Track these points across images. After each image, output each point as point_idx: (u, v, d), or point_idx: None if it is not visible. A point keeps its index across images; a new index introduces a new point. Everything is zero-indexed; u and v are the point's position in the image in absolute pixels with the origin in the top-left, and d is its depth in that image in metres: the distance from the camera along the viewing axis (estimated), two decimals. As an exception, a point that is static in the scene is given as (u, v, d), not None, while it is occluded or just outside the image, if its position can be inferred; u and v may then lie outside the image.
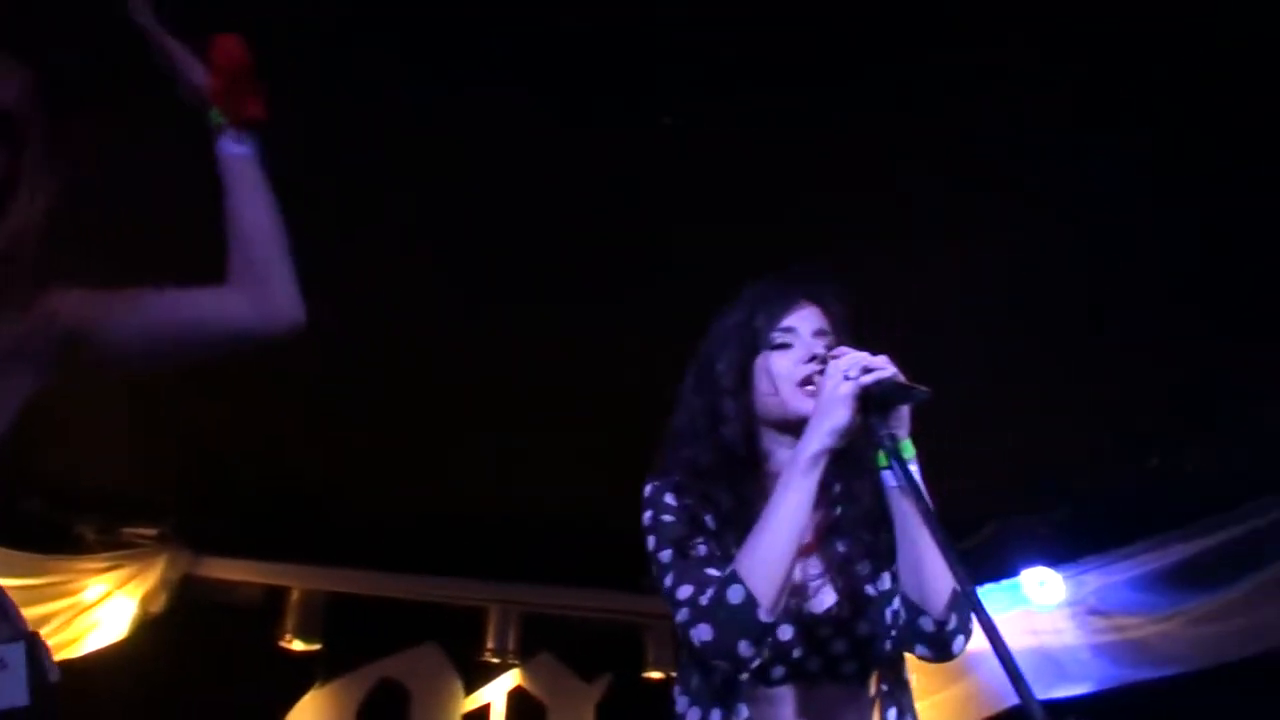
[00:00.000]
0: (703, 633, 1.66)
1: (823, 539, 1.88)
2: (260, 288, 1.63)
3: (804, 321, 1.91)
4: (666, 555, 1.79)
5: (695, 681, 1.82)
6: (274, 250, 1.66)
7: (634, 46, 2.83)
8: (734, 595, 1.63)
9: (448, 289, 3.92)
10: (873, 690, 1.81)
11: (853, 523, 1.88)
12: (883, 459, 1.69)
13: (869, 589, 1.84)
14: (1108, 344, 4.29)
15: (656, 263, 3.69)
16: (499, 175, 3.33)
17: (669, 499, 1.85)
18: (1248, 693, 4.66)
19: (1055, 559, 5.36)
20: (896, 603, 1.80)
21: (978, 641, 1.47)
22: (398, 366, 4.37)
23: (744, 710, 1.74)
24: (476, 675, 5.91)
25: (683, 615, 1.70)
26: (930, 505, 1.65)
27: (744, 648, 1.64)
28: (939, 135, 3.16)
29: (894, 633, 1.80)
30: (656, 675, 5.87)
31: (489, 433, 4.91)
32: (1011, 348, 4.32)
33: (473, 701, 5.85)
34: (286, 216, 1.70)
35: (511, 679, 5.92)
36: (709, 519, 1.82)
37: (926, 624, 1.75)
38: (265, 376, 4.39)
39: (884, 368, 1.67)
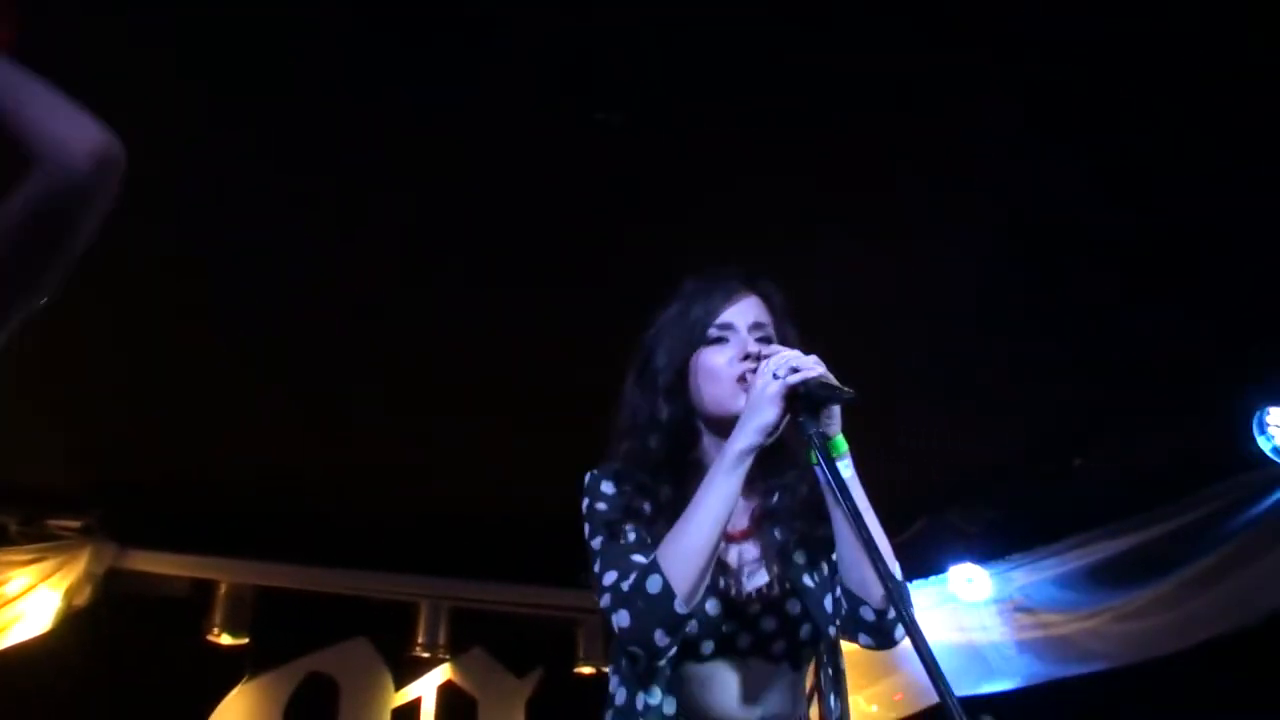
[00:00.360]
0: (621, 619, 1.69)
1: (759, 525, 1.92)
2: (33, 139, 1.44)
3: (741, 315, 1.92)
4: (597, 541, 1.84)
5: (625, 664, 1.84)
6: (24, 95, 1.47)
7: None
8: (652, 585, 1.67)
9: (393, 285, 3.89)
10: (810, 680, 1.85)
11: (788, 512, 1.91)
12: (813, 457, 1.72)
13: (806, 578, 1.86)
14: (1036, 346, 4.30)
15: (604, 255, 3.68)
16: (479, 173, 3.30)
17: (605, 487, 1.89)
18: (1170, 688, 4.69)
19: (983, 556, 5.38)
20: (838, 591, 1.84)
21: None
22: (324, 358, 4.33)
23: (659, 693, 1.76)
24: (407, 670, 5.88)
25: (605, 600, 1.74)
26: (860, 500, 1.72)
27: (659, 636, 1.66)
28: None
29: (837, 621, 1.83)
30: (588, 670, 5.86)
31: (419, 427, 4.88)
32: (942, 349, 4.32)
33: (403, 696, 5.82)
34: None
35: (442, 673, 5.90)
36: (646, 507, 1.85)
37: (867, 613, 1.79)
38: (193, 369, 4.36)
39: (812, 368, 1.69)
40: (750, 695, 1.80)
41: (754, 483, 1.84)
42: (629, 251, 3.62)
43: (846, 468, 1.73)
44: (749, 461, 1.72)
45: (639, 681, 1.79)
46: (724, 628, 1.79)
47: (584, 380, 4.32)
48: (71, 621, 5.37)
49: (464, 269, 3.80)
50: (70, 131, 1.44)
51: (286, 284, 3.85)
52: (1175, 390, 4.53)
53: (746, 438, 1.71)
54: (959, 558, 5.40)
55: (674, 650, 1.70)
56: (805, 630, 1.82)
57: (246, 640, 5.64)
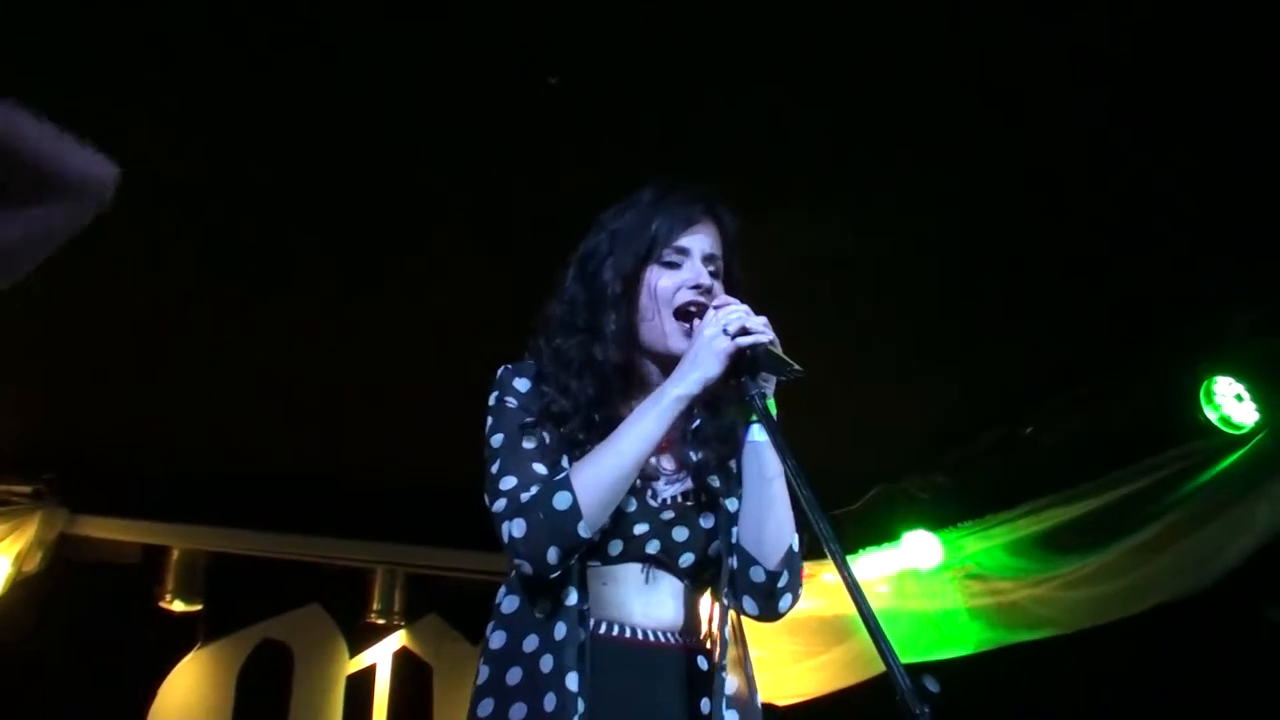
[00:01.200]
0: (516, 528, 1.65)
1: (679, 440, 1.88)
2: (56, 173, 1.49)
3: (698, 241, 1.89)
4: (498, 439, 1.78)
5: (517, 574, 1.77)
6: (34, 132, 1.48)
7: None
8: (560, 501, 1.63)
9: (337, 247, 3.86)
10: (707, 662, 1.78)
11: (710, 436, 1.89)
12: (749, 415, 1.73)
13: (723, 501, 1.83)
14: (986, 311, 4.31)
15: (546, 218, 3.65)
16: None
17: (519, 384, 1.85)
18: (1119, 654, 4.74)
19: (934, 523, 5.40)
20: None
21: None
22: (277, 323, 4.29)
23: (573, 594, 1.70)
24: (361, 637, 5.87)
25: (499, 505, 1.70)
26: (775, 460, 1.72)
27: (552, 554, 1.63)
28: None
29: (729, 583, 1.79)
30: (543, 637, 5.85)
31: (372, 394, 4.85)
32: (892, 315, 4.33)
33: (357, 663, 5.82)
34: None
35: (397, 640, 5.89)
36: (565, 409, 1.80)
37: (758, 574, 1.77)
38: (143, 333, 4.31)
39: (763, 331, 1.69)
40: (652, 603, 1.77)
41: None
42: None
43: (761, 432, 1.75)
44: (682, 407, 1.72)
45: (546, 588, 1.71)
46: (635, 529, 1.76)
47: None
48: (22, 588, 5.30)
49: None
50: (91, 166, 1.51)
51: (232, 242, 3.81)
52: (1125, 358, 4.56)
53: (686, 385, 1.70)
54: (912, 525, 5.42)
55: (557, 574, 1.66)
56: (714, 547, 1.80)
57: (199, 607, 5.61)
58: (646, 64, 3.01)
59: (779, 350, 1.69)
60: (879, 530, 5.53)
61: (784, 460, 1.66)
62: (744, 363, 1.69)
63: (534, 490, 1.68)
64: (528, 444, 1.77)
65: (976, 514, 5.22)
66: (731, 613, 1.80)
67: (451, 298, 4.14)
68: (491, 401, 1.84)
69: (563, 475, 1.67)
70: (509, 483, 1.71)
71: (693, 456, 1.88)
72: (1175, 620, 4.51)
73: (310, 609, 5.80)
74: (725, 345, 1.68)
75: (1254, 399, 4.16)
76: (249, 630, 5.70)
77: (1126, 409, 4.71)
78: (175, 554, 5.58)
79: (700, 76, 3.06)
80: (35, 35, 2.76)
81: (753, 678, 1.85)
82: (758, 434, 1.76)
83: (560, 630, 1.68)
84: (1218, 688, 4.55)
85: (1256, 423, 4.15)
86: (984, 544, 5.19)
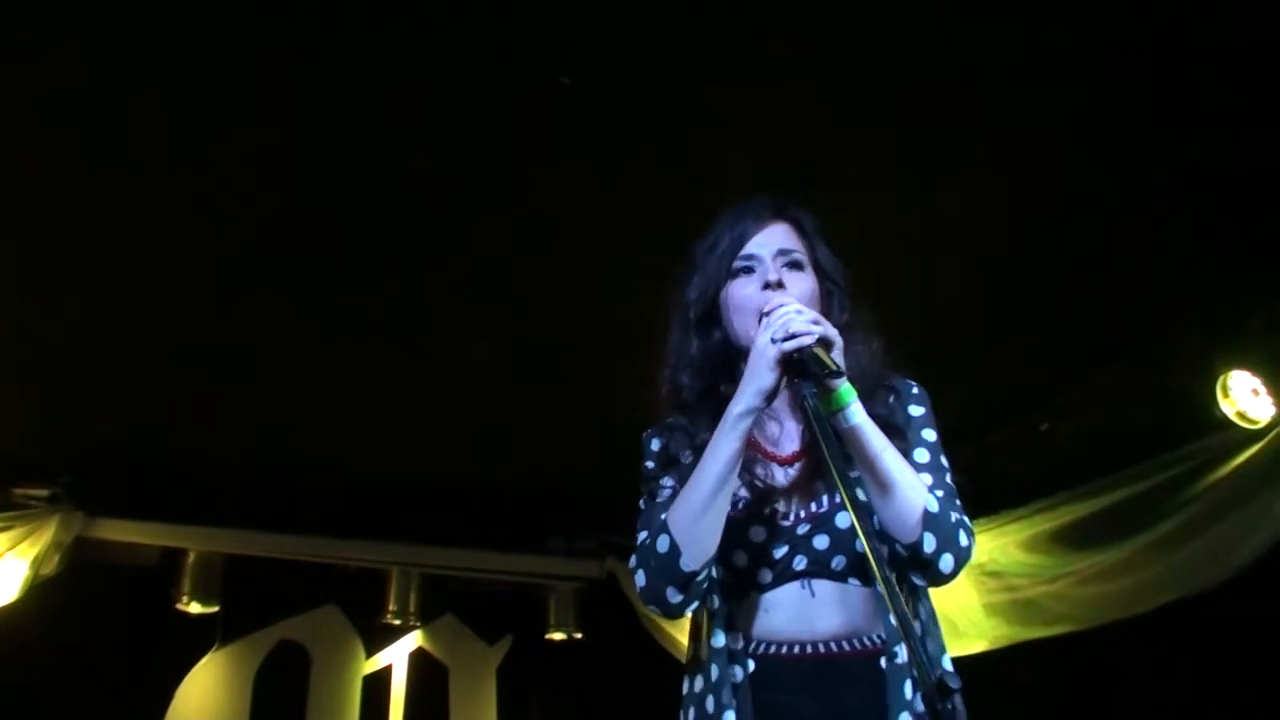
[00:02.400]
0: (639, 578, 1.77)
1: (810, 448, 1.88)
2: None
3: (766, 243, 1.92)
4: (640, 504, 1.89)
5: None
6: None
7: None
8: (661, 544, 1.72)
9: (347, 248, 3.85)
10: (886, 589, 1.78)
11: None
12: (831, 409, 1.72)
13: (859, 493, 1.79)
14: (1000, 307, 4.30)
15: (576, 216, 3.66)
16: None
17: (653, 444, 1.94)
18: (1134, 649, 4.74)
19: (950, 520, 5.38)
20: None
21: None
22: (290, 325, 4.30)
23: (720, 635, 1.76)
24: (378, 637, 5.88)
25: (632, 562, 1.80)
26: (875, 443, 1.72)
27: (671, 594, 1.73)
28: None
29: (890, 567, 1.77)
30: (558, 636, 5.87)
31: (391, 395, 4.86)
32: (903, 310, 4.31)
33: (374, 663, 5.83)
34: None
35: (413, 640, 5.91)
36: (686, 454, 1.85)
37: (901, 550, 1.76)
38: (158, 336, 4.33)
39: (808, 332, 1.68)
40: (821, 615, 1.78)
41: (799, 411, 1.87)
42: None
43: (856, 413, 1.73)
44: (749, 421, 1.73)
45: (698, 634, 1.81)
46: (775, 553, 1.80)
47: (551, 345, 4.37)
48: (39, 591, 5.33)
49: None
50: None
51: (251, 252, 3.82)
52: (1141, 353, 4.55)
53: (745, 401, 1.72)
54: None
55: (689, 608, 1.76)
56: (859, 544, 1.77)
57: (216, 609, 5.63)
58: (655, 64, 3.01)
59: (822, 351, 1.69)
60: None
61: (841, 451, 1.67)
62: (795, 366, 1.71)
63: (642, 539, 1.78)
64: (659, 497, 1.86)
65: (991, 510, 5.21)
66: (906, 595, 1.80)
67: (465, 299, 4.14)
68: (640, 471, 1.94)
69: (662, 519, 1.75)
70: (639, 537, 1.82)
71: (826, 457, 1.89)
72: (1185, 618, 4.50)
73: (327, 610, 5.82)
74: (773, 353, 1.69)
75: (1271, 394, 4.14)
76: (266, 631, 5.72)
77: (1142, 404, 4.70)
78: (192, 556, 5.59)
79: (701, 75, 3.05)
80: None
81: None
82: (849, 419, 1.74)
83: (714, 672, 1.76)
84: (1228, 684, 4.53)
85: (1273, 417, 4.12)
86: (999, 540, 5.17)
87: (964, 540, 1.77)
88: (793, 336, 1.69)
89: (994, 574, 5.23)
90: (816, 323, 1.71)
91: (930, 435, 1.92)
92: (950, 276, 4.09)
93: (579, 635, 5.81)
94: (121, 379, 4.67)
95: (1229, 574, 4.30)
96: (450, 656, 5.89)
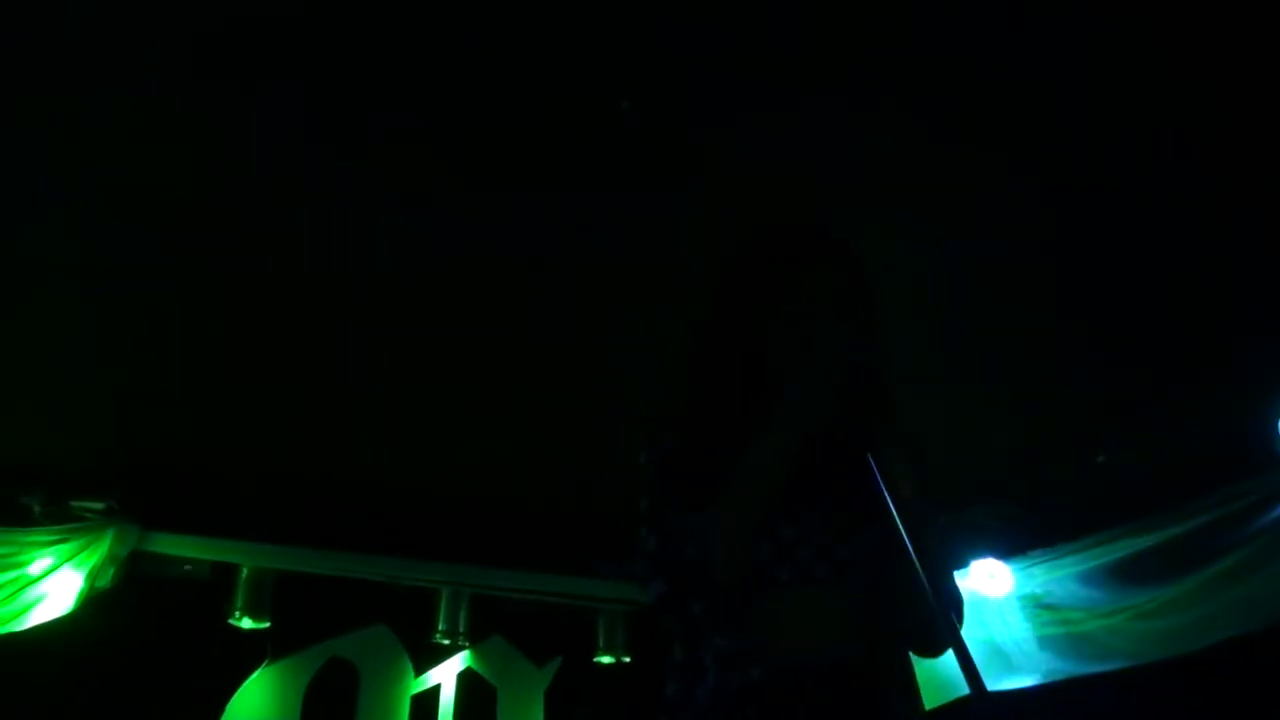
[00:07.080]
0: (659, 585, 1.72)
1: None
2: None
3: (818, 278, 1.91)
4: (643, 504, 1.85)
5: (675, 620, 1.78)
6: None
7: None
8: (690, 551, 1.67)
9: (406, 268, 3.88)
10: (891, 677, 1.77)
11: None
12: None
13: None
14: (1059, 338, 4.30)
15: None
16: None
17: (666, 442, 1.90)
18: (1189, 687, 4.70)
19: (1005, 552, 5.37)
20: None
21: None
22: (345, 346, 4.33)
23: (717, 640, 1.73)
24: (426, 657, 5.87)
25: (642, 568, 1.78)
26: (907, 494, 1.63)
27: (693, 606, 1.70)
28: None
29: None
30: (607, 659, 5.85)
31: (443, 414, 4.89)
32: (965, 343, 4.32)
33: (422, 683, 5.81)
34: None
35: (462, 661, 5.89)
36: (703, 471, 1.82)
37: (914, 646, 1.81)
38: (216, 351, 4.37)
39: (859, 373, 1.67)
40: (832, 627, 1.76)
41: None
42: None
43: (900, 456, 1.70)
44: (799, 445, 1.71)
45: (700, 632, 1.75)
46: (800, 552, 1.77)
47: (603, 379, 4.40)
48: (94, 603, 5.38)
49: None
50: None
51: (308, 274, 3.86)
52: (1201, 387, 4.54)
53: (797, 425, 1.71)
54: (980, 553, 5.40)
55: (706, 621, 1.70)
56: (885, 564, 1.78)
57: (267, 624, 5.64)
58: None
59: (871, 395, 1.68)
60: (947, 558, 5.50)
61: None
62: (845, 404, 1.70)
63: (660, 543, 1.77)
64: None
65: (1048, 543, 5.20)
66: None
67: (506, 320, 4.17)
68: (640, 462, 1.92)
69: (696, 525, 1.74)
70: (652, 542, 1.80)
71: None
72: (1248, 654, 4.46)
73: (376, 628, 5.81)
74: (827, 387, 1.71)
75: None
76: (316, 648, 5.71)
77: (1202, 439, 4.69)
78: (245, 571, 5.62)
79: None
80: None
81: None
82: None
83: (712, 678, 1.73)
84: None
85: (1335, 453, 4.12)
86: (1055, 573, 5.17)
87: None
88: (846, 371, 1.70)
89: (1049, 606, 5.22)
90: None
91: None
92: (1008, 305, 4.09)
93: (627, 659, 5.80)
94: (178, 394, 4.70)
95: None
96: (499, 677, 5.88)
